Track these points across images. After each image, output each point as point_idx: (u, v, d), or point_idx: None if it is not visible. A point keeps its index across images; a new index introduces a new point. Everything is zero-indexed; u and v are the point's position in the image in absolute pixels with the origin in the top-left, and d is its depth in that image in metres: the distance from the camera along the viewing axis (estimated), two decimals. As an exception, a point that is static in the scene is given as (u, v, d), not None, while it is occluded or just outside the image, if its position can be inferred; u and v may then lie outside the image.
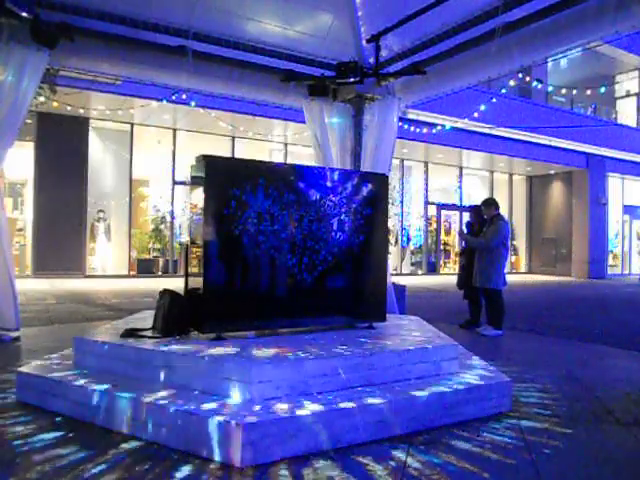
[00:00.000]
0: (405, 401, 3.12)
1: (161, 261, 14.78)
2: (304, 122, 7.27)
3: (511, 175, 21.29)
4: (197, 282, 3.77)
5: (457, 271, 8.11)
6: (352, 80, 6.63)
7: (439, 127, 13.20)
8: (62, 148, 12.85)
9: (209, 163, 3.69)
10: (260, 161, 4.54)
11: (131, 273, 14.09)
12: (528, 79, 15.05)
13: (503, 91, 13.84)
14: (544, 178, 21.13)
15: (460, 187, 19.62)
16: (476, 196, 18.48)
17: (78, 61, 5.97)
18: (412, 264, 18.82)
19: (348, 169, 6.68)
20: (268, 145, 15.99)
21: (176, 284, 4.46)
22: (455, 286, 7.55)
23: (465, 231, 7.37)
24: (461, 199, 19.45)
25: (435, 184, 19.26)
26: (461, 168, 19.63)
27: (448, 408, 3.27)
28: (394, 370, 3.45)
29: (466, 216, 14.78)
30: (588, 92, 13.45)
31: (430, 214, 18.87)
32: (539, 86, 17.49)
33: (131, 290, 11.04)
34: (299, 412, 2.80)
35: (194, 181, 3.95)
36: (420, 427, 3.11)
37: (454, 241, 19.27)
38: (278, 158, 15.95)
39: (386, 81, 6.76)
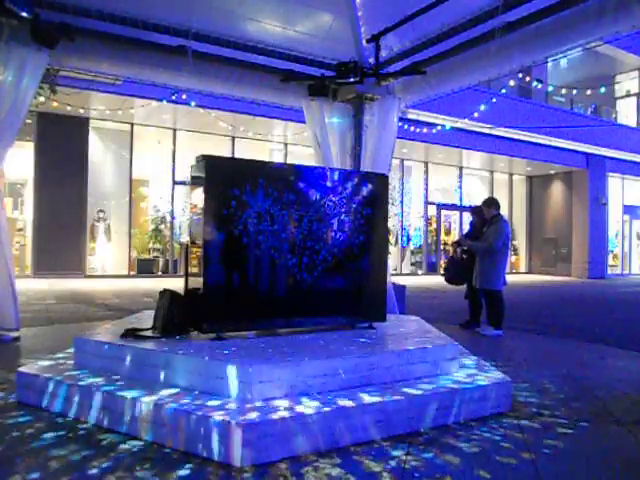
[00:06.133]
0: (405, 401, 3.12)
1: (161, 261, 14.79)
2: (304, 122, 7.27)
3: (511, 175, 21.30)
4: (197, 282, 3.77)
5: (445, 264, 8.08)
6: (352, 80, 6.63)
7: (439, 127, 13.22)
8: (62, 148, 12.85)
9: (209, 163, 3.69)
10: (260, 161, 4.54)
11: (131, 273, 14.10)
12: (528, 79, 15.07)
13: (503, 91, 13.85)
14: (544, 178, 21.14)
15: (460, 187, 19.62)
16: (476, 196, 18.49)
17: (78, 61, 5.97)
18: (412, 264, 18.83)
19: (348, 169, 6.68)
20: (268, 145, 16.00)
21: (176, 284, 4.46)
22: (454, 288, 7.51)
23: (468, 230, 7.36)
24: (461, 199, 19.45)
25: (435, 184, 19.27)
26: (461, 168, 19.63)
27: (448, 408, 3.27)
28: (394, 370, 3.45)
29: (466, 216, 14.78)
30: (588, 92, 13.48)
31: (430, 214, 18.88)
32: (539, 86, 17.49)
33: (131, 290, 11.04)
34: (299, 412, 2.80)
35: (194, 181, 3.95)
36: (420, 427, 3.12)
37: (448, 248, 19.29)
38: (278, 158, 15.96)
39: (386, 81, 6.76)
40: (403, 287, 7.32)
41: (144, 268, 14.27)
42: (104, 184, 14.10)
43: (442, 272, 7.58)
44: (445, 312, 8.60)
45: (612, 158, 20.00)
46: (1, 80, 5.16)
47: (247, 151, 14.76)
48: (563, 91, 17.00)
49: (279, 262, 3.87)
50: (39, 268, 12.66)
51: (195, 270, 3.93)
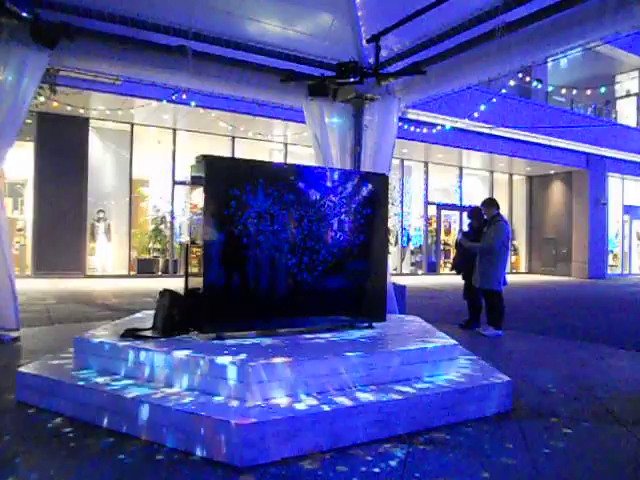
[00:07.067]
0: (405, 401, 3.12)
1: (161, 261, 14.78)
2: (304, 122, 7.26)
3: (511, 175, 21.29)
4: (197, 282, 3.77)
5: (454, 256, 8.09)
6: (352, 80, 6.62)
7: (439, 127, 13.21)
8: (62, 148, 12.84)
9: (209, 163, 3.69)
10: (260, 161, 4.54)
11: (131, 273, 14.09)
12: (528, 79, 15.06)
13: (503, 91, 13.83)
14: (544, 178, 21.13)
15: (460, 187, 19.61)
16: (476, 196, 18.48)
17: (78, 61, 5.97)
18: (412, 264, 18.82)
19: (348, 169, 6.68)
20: (268, 145, 15.99)
21: (176, 284, 4.46)
22: (454, 287, 7.52)
23: (467, 230, 7.37)
24: (461, 199, 19.44)
25: (435, 184, 19.25)
26: (461, 168, 19.62)
27: (448, 408, 3.27)
28: (394, 370, 3.45)
29: (466, 216, 14.79)
30: (588, 92, 13.47)
31: (430, 214, 18.87)
32: (539, 86, 17.48)
33: (131, 290, 11.04)
34: (299, 412, 2.80)
35: (194, 181, 3.95)
36: (420, 427, 3.12)
37: (454, 241, 19.27)
38: (278, 158, 15.95)
39: (386, 81, 6.75)
40: (403, 287, 7.31)
41: (144, 268, 14.26)
42: (104, 184, 14.09)
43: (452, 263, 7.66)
44: (445, 312, 8.60)
45: (612, 158, 19.98)
46: (1, 80, 5.15)
47: (247, 151, 14.75)
48: (563, 91, 16.97)
49: (279, 262, 3.87)
50: (39, 268, 12.65)
51: (195, 270, 3.93)
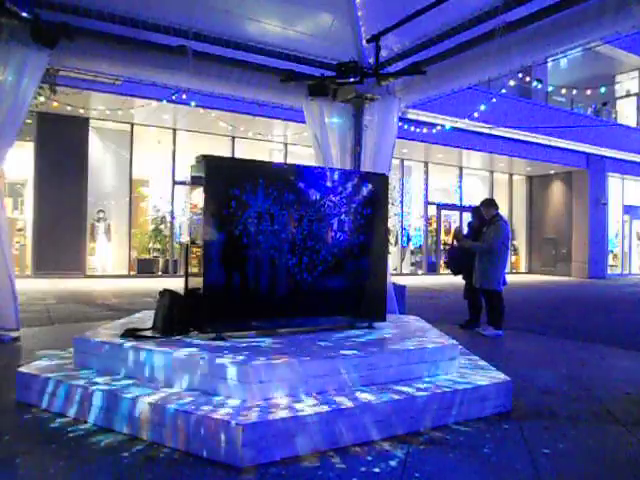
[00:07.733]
0: (405, 401, 3.12)
1: (161, 261, 14.79)
2: (304, 122, 7.26)
3: (511, 175, 21.29)
4: (197, 282, 3.77)
5: (447, 257, 8.06)
6: (352, 80, 6.63)
7: (439, 127, 13.20)
8: (62, 148, 12.85)
9: (209, 163, 3.70)
10: (260, 161, 4.55)
11: (131, 273, 14.09)
12: (528, 79, 15.06)
13: (503, 91, 13.83)
14: (544, 178, 21.13)
15: (460, 187, 19.62)
16: (476, 196, 18.48)
17: (78, 61, 5.97)
18: (412, 264, 18.82)
19: (348, 169, 6.68)
20: (268, 145, 15.99)
21: (176, 284, 4.46)
22: (454, 287, 7.52)
23: (466, 231, 7.37)
24: (461, 199, 19.45)
25: (435, 184, 19.26)
26: (461, 168, 19.62)
27: (448, 408, 3.27)
28: (394, 370, 3.45)
29: (466, 216, 14.78)
30: (588, 92, 13.47)
31: (430, 214, 18.87)
32: (539, 86, 17.48)
33: (131, 290, 11.04)
34: (299, 412, 2.80)
35: (194, 181, 3.95)
36: (420, 427, 3.12)
37: (452, 233, 19.23)
38: (278, 158, 15.95)
39: (386, 81, 6.75)
40: (403, 287, 7.31)
41: (144, 268, 14.26)
42: (104, 184, 14.09)
43: (445, 263, 7.64)
44: (445, 312, 8.60)
45: (612, 158, 19.98)
46: (1, 80, 5.15)
47: (247, 151, 14.75)
48: (563, 91, 16.96)
49: (279, 262, 3.87)
50: (39, 268, 12.65)
51: (195, 270, 3.93)
